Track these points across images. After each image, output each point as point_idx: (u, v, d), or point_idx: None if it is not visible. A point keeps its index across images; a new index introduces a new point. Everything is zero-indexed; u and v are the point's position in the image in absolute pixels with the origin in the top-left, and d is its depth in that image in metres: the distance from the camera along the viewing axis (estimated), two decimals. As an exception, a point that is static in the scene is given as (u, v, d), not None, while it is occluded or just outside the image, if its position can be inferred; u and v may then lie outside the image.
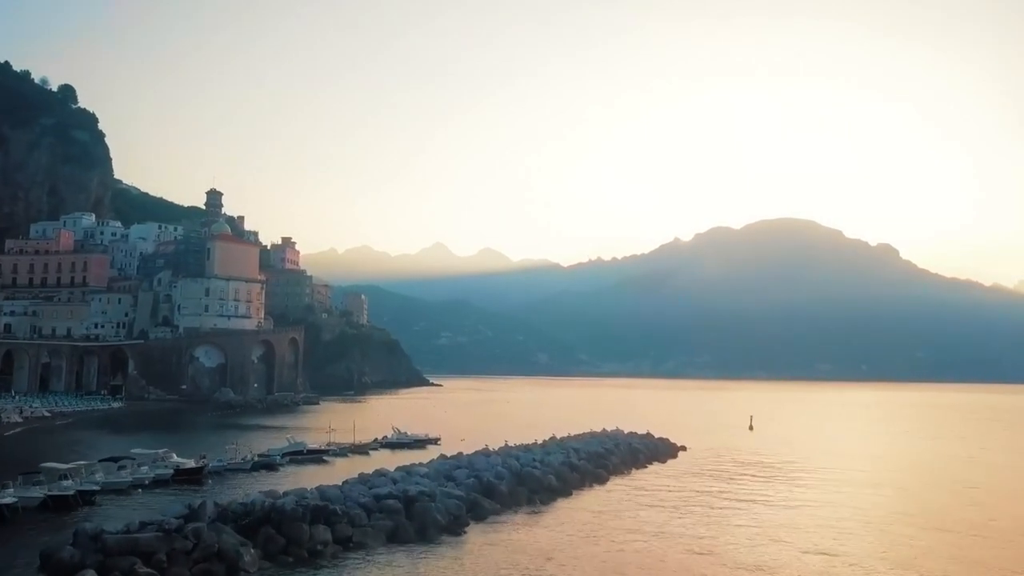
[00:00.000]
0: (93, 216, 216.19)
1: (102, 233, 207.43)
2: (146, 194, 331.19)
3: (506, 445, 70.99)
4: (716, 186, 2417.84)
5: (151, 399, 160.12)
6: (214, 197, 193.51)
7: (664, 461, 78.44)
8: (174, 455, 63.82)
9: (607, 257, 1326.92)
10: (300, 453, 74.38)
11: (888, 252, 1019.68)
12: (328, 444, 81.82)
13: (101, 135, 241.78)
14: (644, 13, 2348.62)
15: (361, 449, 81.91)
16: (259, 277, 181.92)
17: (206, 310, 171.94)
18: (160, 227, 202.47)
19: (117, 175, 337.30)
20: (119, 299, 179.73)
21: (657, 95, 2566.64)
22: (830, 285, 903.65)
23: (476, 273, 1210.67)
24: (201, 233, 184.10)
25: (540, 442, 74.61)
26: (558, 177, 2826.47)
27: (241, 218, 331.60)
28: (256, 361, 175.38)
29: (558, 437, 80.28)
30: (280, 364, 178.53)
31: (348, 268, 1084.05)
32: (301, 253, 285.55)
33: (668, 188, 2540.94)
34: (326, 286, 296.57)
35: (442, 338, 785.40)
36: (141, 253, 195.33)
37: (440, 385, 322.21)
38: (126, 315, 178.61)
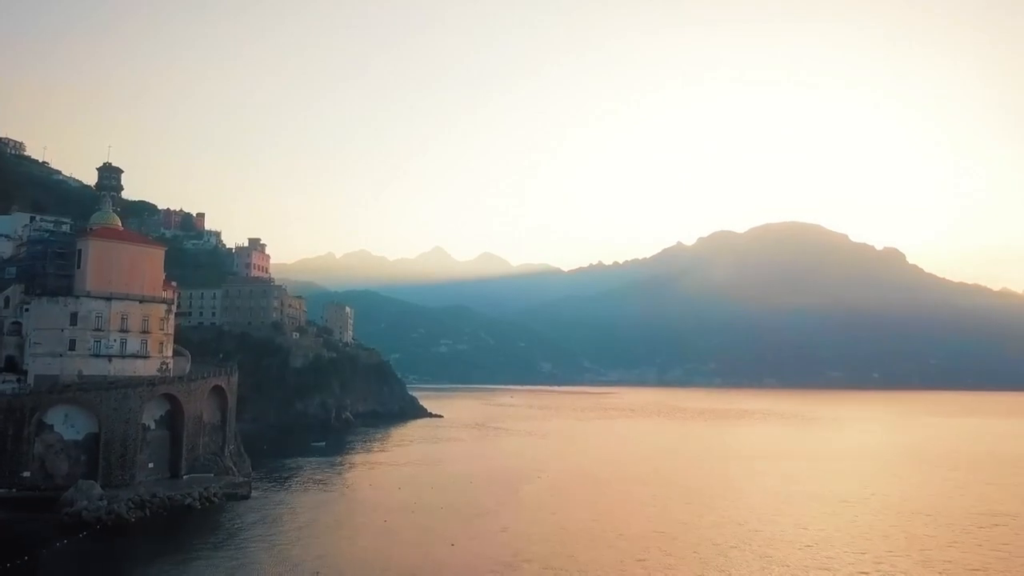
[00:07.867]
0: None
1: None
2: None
3: None
4: (719, 189, 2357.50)
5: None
6: (109, 175, 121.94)
7: None
8: None
9: (608, 261, 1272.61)
10: None
11: (894, 256, 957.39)
12: None
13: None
14: (645, 15, 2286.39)
15: None
16: (164, 294, 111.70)
17: (71, 347, 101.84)
18: (33, 219, 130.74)
19: (66, 171, 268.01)
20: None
21: (659, 97, 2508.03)
22: (837, 289, 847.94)
23: (476, 278, 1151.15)
24: (75, 227, 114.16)
25: None
26: (558, 180, 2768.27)
27: (200, 215, 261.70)
28: (153, 427, 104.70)
29: None
30: (193, 429, 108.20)
31: (346, 273, 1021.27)
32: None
33: (670, 191, 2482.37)
34: (299, 298, 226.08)
35: (442, 345, 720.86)
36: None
37: (440, 416, 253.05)
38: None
